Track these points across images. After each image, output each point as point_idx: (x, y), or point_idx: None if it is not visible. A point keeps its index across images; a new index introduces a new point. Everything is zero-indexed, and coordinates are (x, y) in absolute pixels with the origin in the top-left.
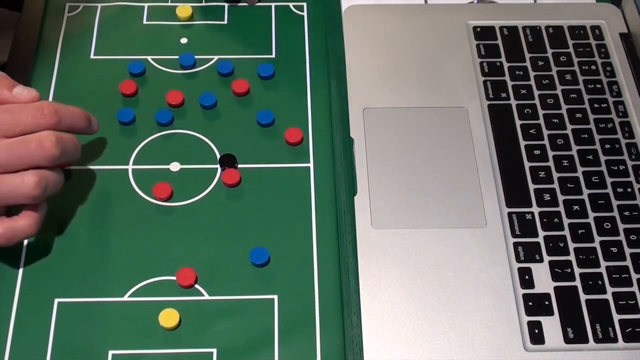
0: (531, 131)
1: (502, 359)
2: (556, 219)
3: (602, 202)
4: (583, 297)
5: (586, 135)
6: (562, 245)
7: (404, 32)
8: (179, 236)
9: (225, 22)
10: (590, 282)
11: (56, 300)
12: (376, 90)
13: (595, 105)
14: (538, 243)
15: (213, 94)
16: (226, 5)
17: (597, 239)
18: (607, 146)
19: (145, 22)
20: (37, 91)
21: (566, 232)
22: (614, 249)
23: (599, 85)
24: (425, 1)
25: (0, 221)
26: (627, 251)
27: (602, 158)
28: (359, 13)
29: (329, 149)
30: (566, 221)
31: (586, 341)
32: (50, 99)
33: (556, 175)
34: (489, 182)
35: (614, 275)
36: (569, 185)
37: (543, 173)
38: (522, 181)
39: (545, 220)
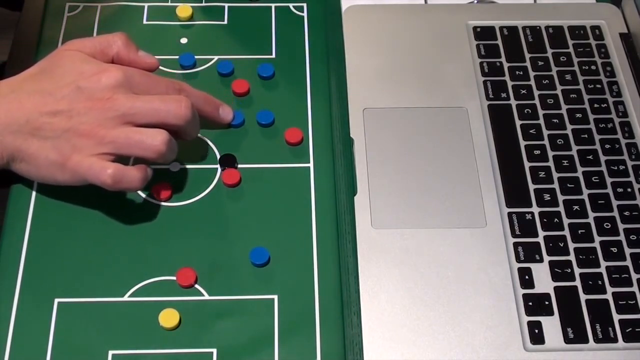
0: (531, 131)
1: (502, 359)
2: (556, 219)
3: (602, 202)
4: (583, 297)
5: (586, 135)
6: (562, 245)
7: (404, 32)
8: (179, 236)
9: (225, 22)
10: (590, 282)
11: (56, 300)
12: (376, 90)
13: (595, 105)
14: (538, 243)
15: (241, 112)
16: (226, 5)
17: (597, 239)
18: (607, 146)
19: (145, 22)
20: (156, 59)
21: (566, 232)
22: (614, 249)
23: (599, 85)
24: (425, 1)
25: (112, 163)
26: (627, 251)
27: (602, 158)
28: (359, 13)
29: (329, 149)
30: (566, 221)
31: (586, 341)
32: None
33: (556, 175)
34: (489, 182)
35: (614, 275)
36: (569, 185)
37: (543, 173)
38: (522, 181)
39: (545, 220)
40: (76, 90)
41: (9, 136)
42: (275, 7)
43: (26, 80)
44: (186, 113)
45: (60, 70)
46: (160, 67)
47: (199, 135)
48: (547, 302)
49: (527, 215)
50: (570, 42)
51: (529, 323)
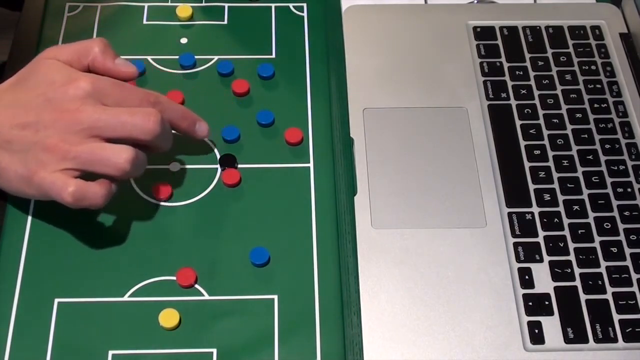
0: (531, 131)
1: (502, 359)
2: (556, 219)
3: (602, 202)
4: (583, 297)
5: (586, 135)
6: (562, 245)
7: (404, 32)
8: (179, 236)
9: (225, 22)
10: (590, 282)
11: (56, 300)
12: (376, 90)
13: (595, 105)
14: (538, 243)
15: (236, 127)
16: (226, 5)
17: (597, 239)
18: (607, 146)
19: (145, 22)
20: (135, 67)
21: (566, 232)
22: (614, 249)
23: (599, 85)
24: (425, 1)
25: (74, 180)
26: (627, 251)
27: (602, 158)
28: (359, 13)
29: (329, 149)
30: (566, 221)
31: (586, 341)
32: None
33: (556, 175)
34: (489, 182)
35: (614, 275)
36: (569, 185)
37: (543, 173)
38: (522, 181)
39: (545, 220)
40: (44, 101)
41: None
42: (275, 7)
43: (5, 90)
44: (154, 128)
45: (34, 80)
46: (161, 67)
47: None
48: (547, 302)
49: (527, 215)
50: (570, 42)
51: (529, 323)
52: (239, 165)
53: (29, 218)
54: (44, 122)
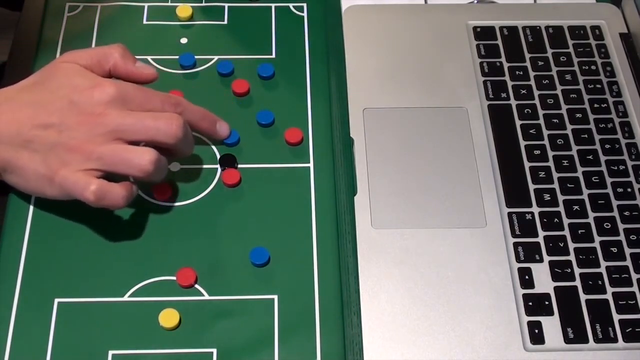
0: (531, 131)
1: (502, 359)
2: (556, 219)
3: (602, 202)
4: (583, 297)
5: (586, 135)
6: (562, 245)
7: (404, 32)
8: (179, 236)
9: (225, 22)
10: (590, 282)
11: (56, 300)
12: (376, 90)
13: (595, 105)
14: (538, 243)
15: (235, 131)
16: (226, 5)
17: (597, 239)
18: (607, 146)
19: (145, 22)
20: (154, 69)
21: (566, 232)
22: (614, 249)
23: (599, 85)
24: (425, 1)
25: (96, 180)
26: (627, 251)
27: (602, 158)
28: (359, 13)
29: (329, 149)
30: (566, 221)
31: (586, 341)
32: None
33: (556, 175)
34: (489, 182)
35: (614, 275)
36: (569, 185)
37: (543, 173)
38: (522, 181)
39: (545, 220)
40: (69, 104)
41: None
42: (275, 7)
43: (22, 90)
44: (177, 132)
45: (55, 83)
46: (161, 67)
47: (198, 135)
48: (547, 302)
49: (527, 215)
50: (570, 42)
51: (529, 323)
52: (239, 165)
53: (29, 218)
54: (68, 124)
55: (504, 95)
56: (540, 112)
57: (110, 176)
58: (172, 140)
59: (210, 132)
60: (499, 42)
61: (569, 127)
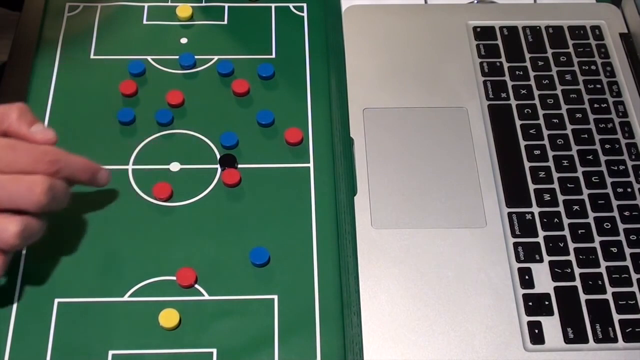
0: (531, 131)
1: (502, 359)
2: (556, 219)
3: (602, 202)
4: (583, 297)
5: (586, 135)
6: (562, 245)
7: (404, 32)
8: (179, 236)
9: (225, 22)
10: (590, 282)
11: (56, 300)
12: (376, 90)
13: (595, 105)
14: (538, 243)
15: (234, 133)
16: (226, 5)
17: (597, 239)
18: (607, 146)
19: (145, 22)
20: (54, 133)
21: (566, 232)
22: (614, 249)
23: (599, 85)
24: (425, 1)
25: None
26: (627, 251)
27: (602, 158)
28: (359, 13)
29: (329, 149)
30: (566, 221)
31: (586, 341)
32: (50, 99)
33: (556, 175)
34: (489, 182)
35: (614, 275)
36: (569, 185)
37: (543, 173)
38: (522, 181)
39: (545, 220)
40: None
41: None
42: (275, 7)
43: None
44: (38, 199)
45: None
46: (161, 67)
47: (199, 135)
48: (547, 302)
49: (527, 215)
50: (570, 42)
51: (529, 323)
52: (239, 165)
53: None
54: None
55: (504, 95)
56: (540, 112)
57: None
58: (33, 207)
59: (89, 184)
60: (499, 42)
61: (569, 127)
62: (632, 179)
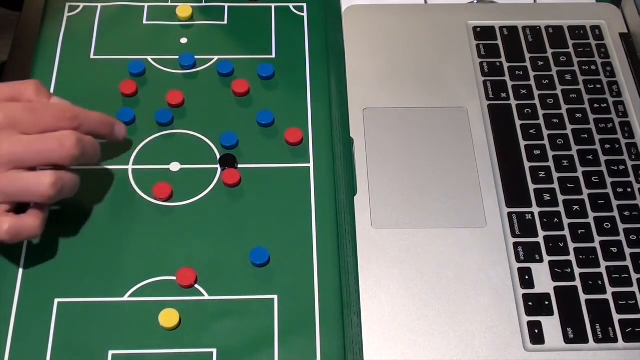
0: (531, 131)
1: (502, 359)
2: (556, 219)
3: (602, 202)
4: (583, 297)
5: (586, 135)
6: (562, 245)
7: (404, 32)
8: (179, 236)
9: (225, 22)
10: (590, 282)
11: (56, 300)
12: (376, 90)
13: (595, 105)
14: (538, 243)
15: (234, 133)
16: (226, 5)
17: (597, 239)
18: (607, 146)
19: (145, 22)
20: (70, 104)
21: (566, 232)
22: (614, 249)
23: (599, 85)
24: (425, 1)
25: (7, 218)
26: (627, 251)
27: (602, 158)
28: (359, 13)
29: (329, 149)
30: (566, 221)
31: (586, 341)
32: None
33: (556, 175)
34: (489, 182)
35: (614, 275)
36: (569, 185)
37: (543, 173)
38: (522, 181)
39: (545, 220)
40: None
41: None
42: (275, 7)
43: None
44: (70, 152)
45: None
46: (161, 67)
47: (199, 135)
48: (547, 302)
49: (527, 215)
50: (570, 42)
51: (529, 323)
52: (239, 165)
53: None
54: None
55: (504, 95)
56: (540, 112)
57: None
58: (67, 160)
59: (109, 138)
60: (499, 42)
61: (569, 127)
62: (632, 179)
